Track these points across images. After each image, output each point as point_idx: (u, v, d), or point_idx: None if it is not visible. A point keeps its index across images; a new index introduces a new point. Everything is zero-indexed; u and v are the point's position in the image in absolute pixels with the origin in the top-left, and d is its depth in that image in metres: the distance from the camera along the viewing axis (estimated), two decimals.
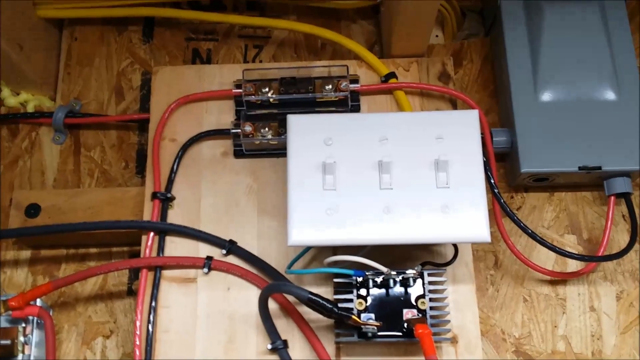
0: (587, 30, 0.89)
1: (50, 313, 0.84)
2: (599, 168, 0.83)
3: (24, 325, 0.80)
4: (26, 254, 0.90)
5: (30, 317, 0.81)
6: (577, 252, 0.85)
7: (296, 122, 0.75)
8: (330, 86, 0.85)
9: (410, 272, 0.74)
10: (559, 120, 0.86)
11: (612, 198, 0.85)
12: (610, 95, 0.87)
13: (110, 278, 0.88)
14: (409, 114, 0.79)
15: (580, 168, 0.84)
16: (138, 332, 0.78)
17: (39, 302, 0.82)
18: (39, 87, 0.97)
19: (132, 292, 0.88)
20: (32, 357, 0.80)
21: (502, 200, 0.82)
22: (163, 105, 0.87)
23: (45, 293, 0.81)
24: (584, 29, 0.89)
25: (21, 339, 0.80)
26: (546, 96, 0.87)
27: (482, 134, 0.80)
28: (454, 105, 0.88)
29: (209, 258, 0.81)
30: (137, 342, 0.78)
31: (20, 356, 0.79)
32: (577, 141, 0.85)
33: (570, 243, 0.88)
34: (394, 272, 0.74)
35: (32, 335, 0.81)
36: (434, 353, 0.65)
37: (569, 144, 0.85)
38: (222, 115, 0.88)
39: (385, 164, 0.72)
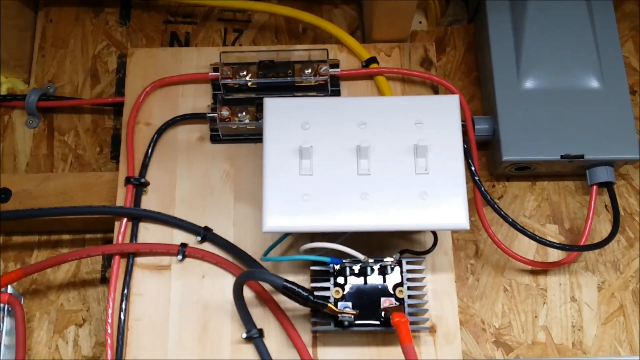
0: (571, 17, 0.88)
1: (22, 301, 0.82)
2: (582, 157, 0.82)
3: None
4: None
5: (1, 305, 0.79)
6: (558, 242, 0.84)
7: (273, 105, 0.73)
8: (309, 70, 0.83)
9: (389, 260, 0.73)
10: (542, 108, 0.85)
11: (595, 187, 0.84)
12: (594, 83, 0.86)
13: (84, 265, 0.86)
14: (388, 99, 0.78)
15: (562, 156, 0.82)
16: (110, 320, 0.76)
17: (9, 289, 0.80)
18: (12, 69, 0.94)
19: (105, 280, 0.86)
20: (2, 345, 0.78)
21: (482, 188, 0.80)
22: (138, 88, 0.85)
23: (16, 280, 0.79)
24: (568, 16, 0.88)
25: None
26: (529, 84, 0.86)
27: (463, 121, 0.79)
28: (436, 91, 0.87)
29: (184, 245, 0.79)
30: (109, 331, 0.76)
31: None
32: (560, 130, 0.84)
33: (552, 233, 0.87)
34: (371, 260, 0.73)
35: (2, 323, 0.79)
36: (410, 341, 0.64)
37: (552, 133, 0.84)
38: (198, 99, 0.86)
39: (363, 149, 0.70)
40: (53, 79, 0.95)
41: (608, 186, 0.85)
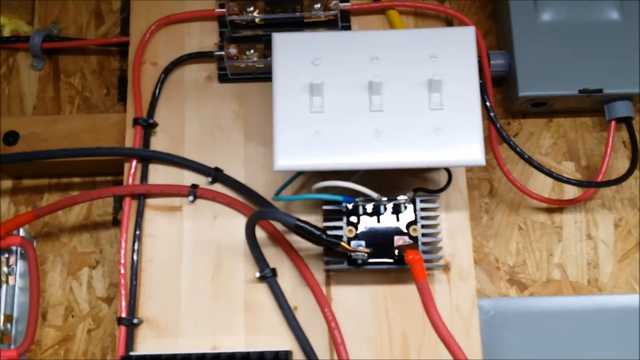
0: None
1: (34, 244, 0.82)
2: (600, 91, 0.80)
3: (7, 255, 0.79)
4: (7, 183, 0.87)
5: (14, 248, 0.79)
6: (575, 179, 0.83)
7: (282, 41, 0.71)
8: (319, 5, 0.80)
9: (402, 198, 0.72)
10: (560, 41, 0.82)
11: (613, 123, 0.82)
12: (614, 15, 0.83)
13: (95, 208, 0.86)
14: (401, 32, 0.75)
15: (580, 91, 0.80)
16: (123, 262, 0.76)
17: (21, 232, 0.80)
18: (15, 10, 0.93)
19: (117, 222, 0.85)
20: (16, 288, 0.78)
21: (498, 125, 0.78)
22: (143, 27, 0.83)
23: (27, 222, 0.79)
24: None
25: (4, 269, 0.78)
26: (547, 16, 0.83)
27: (479, 56, 0.76)
28: (450, 26, 0.84)
29: (194, 186, 0.78)
30: (122, 271, 0.76)
31: (4, 287, 0.78)
32: (577, 63, 0.81)
33: (568, 170, 0.86)
34: (384, 199, 0.71)
35: (15, 265, 0.79)
36: (425, 278, 0.63)
37: (570, 67, 0.81)
38: (205, 37, 0.83)
39: (376, 84, 0.69)
40: (57, 20, 0.93)
41: (627, 121, 0.82)
